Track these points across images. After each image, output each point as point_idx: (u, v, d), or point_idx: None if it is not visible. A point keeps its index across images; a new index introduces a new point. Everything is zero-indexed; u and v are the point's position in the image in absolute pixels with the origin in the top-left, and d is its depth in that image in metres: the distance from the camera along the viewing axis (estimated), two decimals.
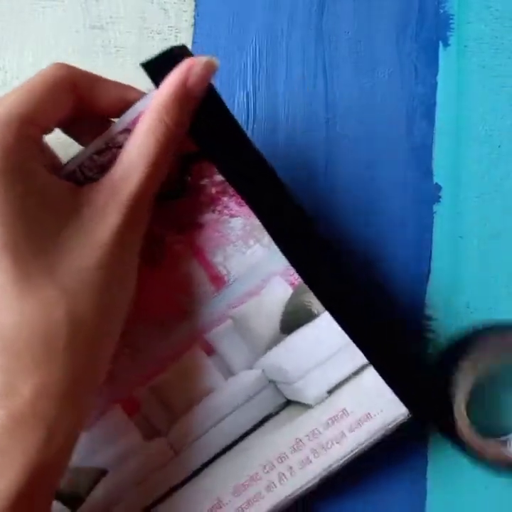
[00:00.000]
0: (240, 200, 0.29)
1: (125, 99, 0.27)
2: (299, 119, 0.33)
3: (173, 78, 0.26)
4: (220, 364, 0.29)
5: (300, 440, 0.29)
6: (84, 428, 0.27)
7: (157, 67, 0.27)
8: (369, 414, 0.29)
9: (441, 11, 0.34)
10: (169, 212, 0.29)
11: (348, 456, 0.29)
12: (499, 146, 0.33)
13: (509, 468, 0.29)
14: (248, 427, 0.29)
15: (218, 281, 0.29)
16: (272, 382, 0.29)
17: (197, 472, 0.29)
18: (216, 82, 0.33)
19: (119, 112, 0.27)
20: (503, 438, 0.30)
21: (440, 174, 0.33)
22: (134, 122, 0.26)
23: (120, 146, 0.26)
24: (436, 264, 0.33)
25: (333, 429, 0.29)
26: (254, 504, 0.29)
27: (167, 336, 0.29)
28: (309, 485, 0.29)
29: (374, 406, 0.29)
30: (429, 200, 0.33)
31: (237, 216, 0.29)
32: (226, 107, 0.28)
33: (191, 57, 0.26)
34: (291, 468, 0.29)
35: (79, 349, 0.24)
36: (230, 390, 0.29)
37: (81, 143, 0.29)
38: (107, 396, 0.29)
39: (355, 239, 0.33)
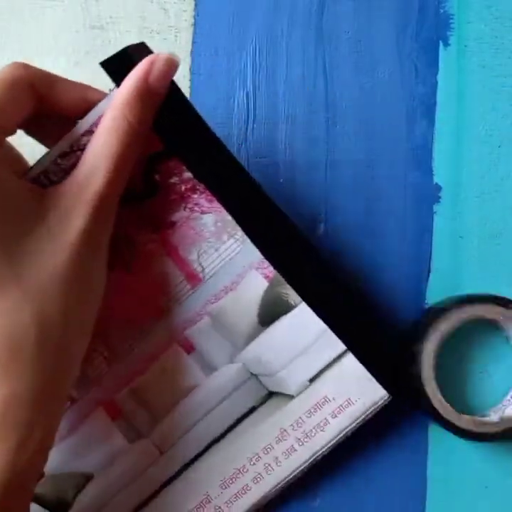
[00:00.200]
0: (210, 196, 0.29)
1: (86, 99, 0.27)
2: (299, 119, 0.33)
3: (134, 75, 0.26)
4: (200, 361, 0.30)
5: (284, 430, 0.29)
6: (68, 433, 0.28)
7: (117, 66, 0.26)
8: (350, 399, 0.29)
9: (442, 10, 0.34)
10: (141, 212, 0.29)
11: (332, 442, 0.29)
12: (499, 146, 0.33)
13: (484, 439, 0.30)
14: (232, 420, 0.30)
15: (194, 278, 0.29)
16: (253, 375, 0.30)
17: (183, 469, 0.30)
18: (216, 82, 0.34)
19: (82, 112, 0.27)
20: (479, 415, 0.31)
21: (440, 174, 0.33)
22: (98, 123, 0.26)
23: (84, 149, 0.26)
24: (436, 264, 0.33)
25: (316, 417, 0.29)
26: (242, 496, 0.29)
27: (145, 336, 0.29)
28: (296, 473, 0.29)
29: (354, 391, 0.29)
30: (429, 200, 0.33)
31: (208, 212, 0.29)
32: (190, 103, 0.28)
33: (152, 54, 0.26)
34: (276, 458, 0.29)
35: (48, 352, 0.24)
36: (212, 386, 0.30)
37: (45, 144, 0.28)
38: (89, 400, 0.29)
39: (355, 239, 0.33)
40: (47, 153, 0.27)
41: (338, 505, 0.32)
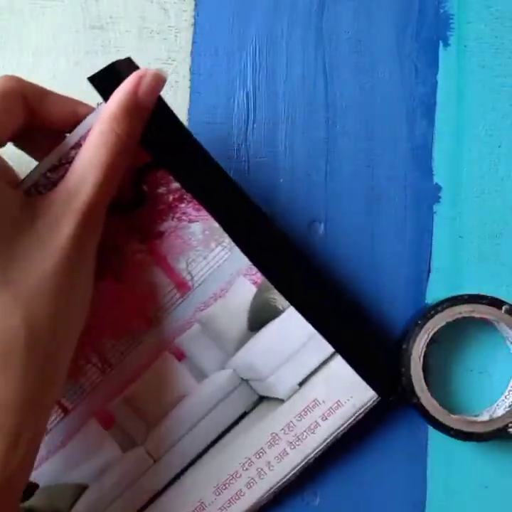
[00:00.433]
0: (197, 205, 0.29)
1: (77, 113, 0.28)
2: (299, 119, 0.33)
3: (123, 89, 0.26)
4: (191, 368, 0.30)
5: (276, 434, 0.30)
6: (62, 444, 0.28)
7: (105, 81, 0.27)
8: (339, 401, 0.30)
9: (441, 10, 0.34)
10: (130, 223, 0.29)
11: (323, 444, 0.30)
12: (499, 146, 0.33)
13: (475, 438, 0.30)
14: (224, 427, 0.30)
15: (183, 286, 0.30)
16: (244, 380, 0.30)
17: (177, 477, 0.30)
18: (216, 82, 0.34)
19: (71, 125, 0.28)
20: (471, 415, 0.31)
21: (440, 174, 0.33)
22: (86, 137, 0.27)
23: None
24: (436, 264, 0.33)
25: (307, 420, 0.30)
26: (236, 502, 0.30)
27: (136, 345, 0.30)
28: (288, 477, 0.30)
29: (344, 393, 0.30)
30: (429, 200, 0.33)
31: (196, 221, 0.29)
32: (176, 117, 0.29)
33: (140, 70, 0.27)
34: (269, 462, 0.30)
35: (37, 356, 0.24)
36: (204, 393, 0.30)
37: (34, 157, 0.29)
38: (81, 411, 0.30)
39: (355, 239, 0.33)
40: (36, 167, 0.28)
41: (338, 505, 0.32)
